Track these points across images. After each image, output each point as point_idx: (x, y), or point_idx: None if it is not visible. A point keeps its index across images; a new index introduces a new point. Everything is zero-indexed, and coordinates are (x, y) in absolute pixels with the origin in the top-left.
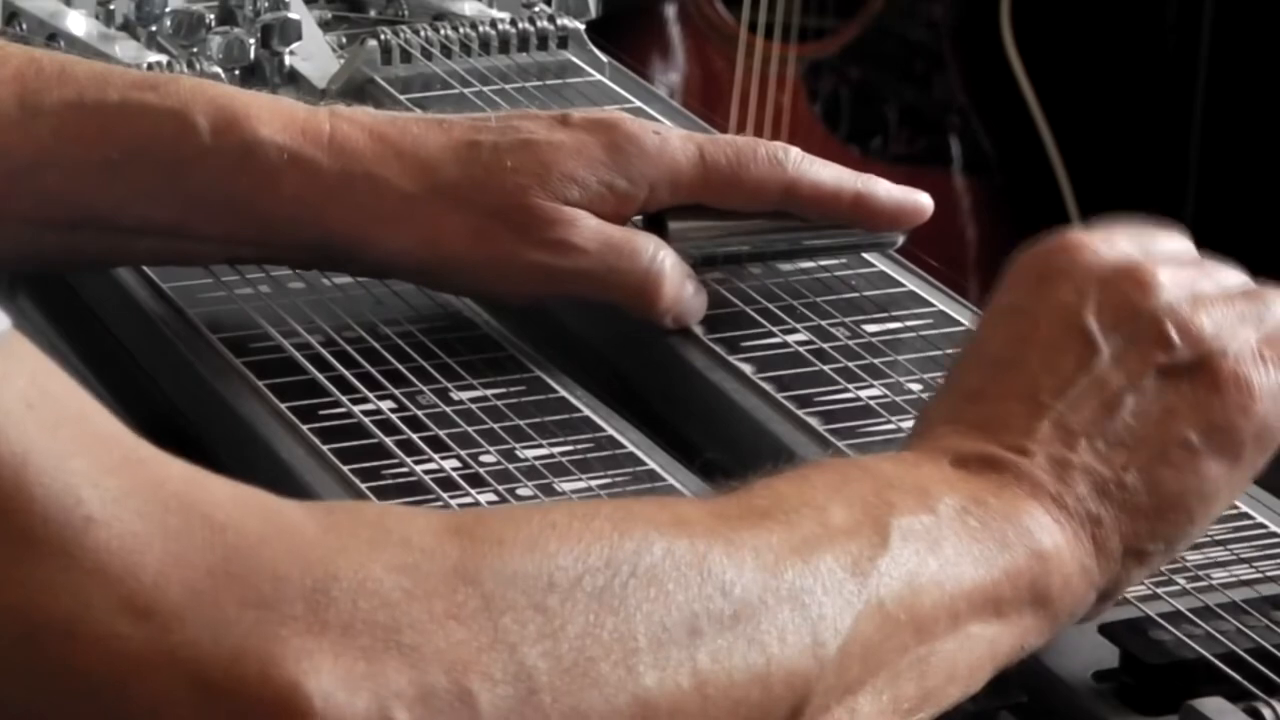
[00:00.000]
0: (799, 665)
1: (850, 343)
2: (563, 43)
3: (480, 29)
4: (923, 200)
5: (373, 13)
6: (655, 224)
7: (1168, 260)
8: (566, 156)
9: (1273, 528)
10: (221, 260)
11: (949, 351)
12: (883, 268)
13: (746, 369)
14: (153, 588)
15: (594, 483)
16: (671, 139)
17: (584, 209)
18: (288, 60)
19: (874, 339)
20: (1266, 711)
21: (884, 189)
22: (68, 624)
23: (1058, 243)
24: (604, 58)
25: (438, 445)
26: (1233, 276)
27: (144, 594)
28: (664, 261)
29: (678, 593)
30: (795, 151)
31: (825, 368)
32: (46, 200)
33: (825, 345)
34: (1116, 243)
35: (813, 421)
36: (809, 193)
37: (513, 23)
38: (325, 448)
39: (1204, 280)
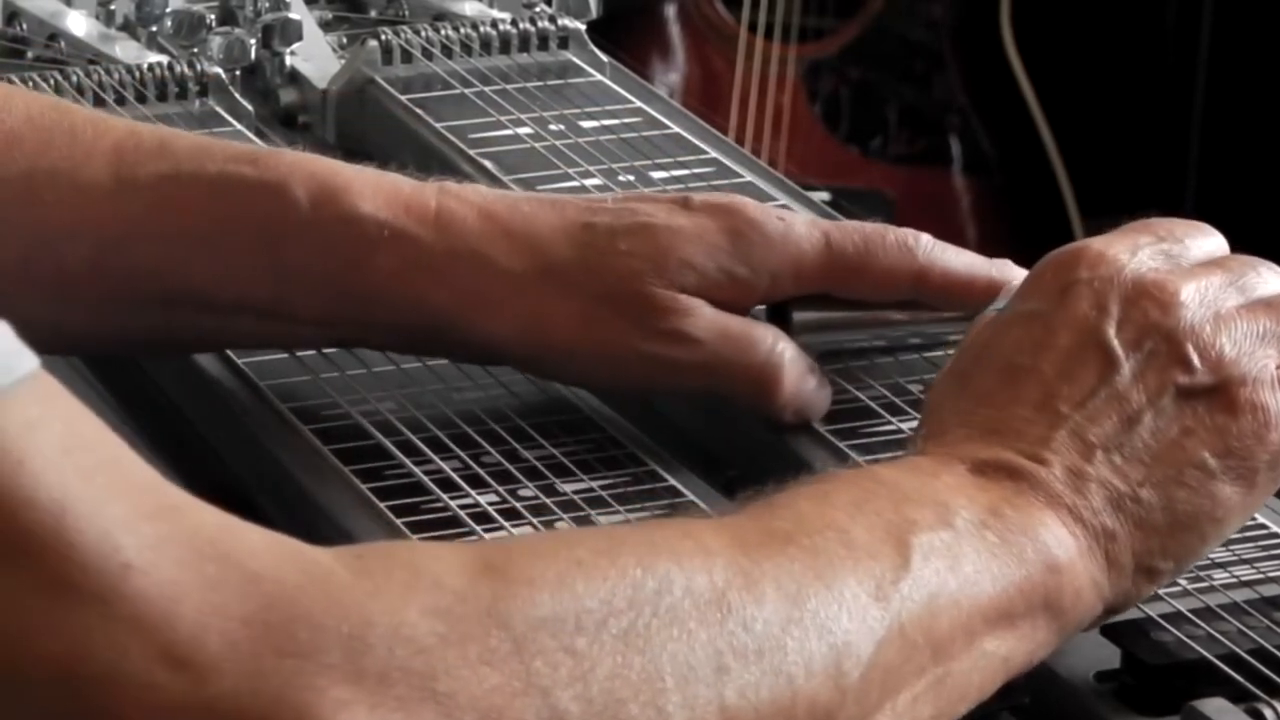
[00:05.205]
0: (822, 696)
1: None
2: (563, 43)
3: (481, 29)
4: None
5: (373, 13)
6: (779, 314)
7: (1193, 271)
8: (685, 242)
9: (1274, 528)
10: (320, 345)
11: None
12: None
13: None
14: (190, 639)
15: (595, 481)
16: (796, 225)
17: (701, 297)
18: (288, 60)
19: None
20: (1268, 712)
21: (1018, 274)
22: (105, 672)
23: (1080, 252)
24: (604, 58)
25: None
26: (1262, 278)
27: (182, 644)
28: (783, 353)
29: (700, 631)
30: (925, 238)
31: (827, 369)
32: (137, 275)
33: None
34: (1141, 253)
35: (814, 422)
36: (940, 282)
37: (513, 23)
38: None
39: (1228, 291)
